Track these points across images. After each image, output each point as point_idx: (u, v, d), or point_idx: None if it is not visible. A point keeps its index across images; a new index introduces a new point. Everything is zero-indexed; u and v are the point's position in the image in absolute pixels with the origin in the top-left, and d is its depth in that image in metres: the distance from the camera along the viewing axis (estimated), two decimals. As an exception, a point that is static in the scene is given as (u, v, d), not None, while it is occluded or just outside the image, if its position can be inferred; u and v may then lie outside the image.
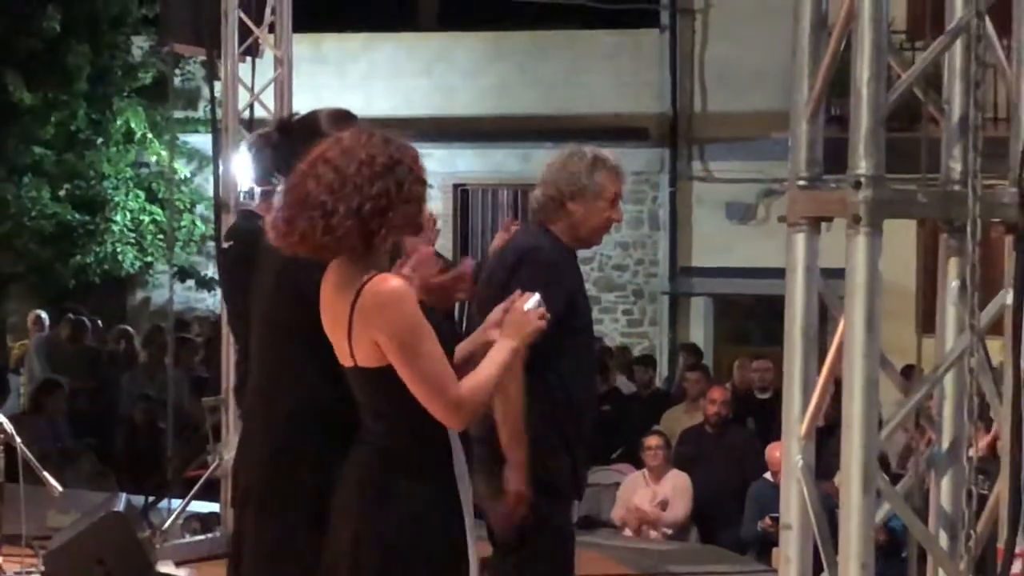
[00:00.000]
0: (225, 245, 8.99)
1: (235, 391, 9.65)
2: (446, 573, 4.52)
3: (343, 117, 5.39)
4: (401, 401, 4.44)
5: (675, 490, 12.70)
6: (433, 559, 4.50)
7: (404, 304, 4.42)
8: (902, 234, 16.95)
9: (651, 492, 12.78)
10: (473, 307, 6.04)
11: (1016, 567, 3.91)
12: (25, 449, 6.63)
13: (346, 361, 4.53)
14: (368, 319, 4.42)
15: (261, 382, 5.36)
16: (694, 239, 23.33)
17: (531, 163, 23.05)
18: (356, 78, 22.01)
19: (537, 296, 4.73)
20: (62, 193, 21.12)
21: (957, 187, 4.08)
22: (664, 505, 12.66)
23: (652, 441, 13.03)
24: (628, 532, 12.68)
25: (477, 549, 4.68)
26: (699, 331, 23.27)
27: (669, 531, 12.58)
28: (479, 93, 22.77)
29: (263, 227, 8.53)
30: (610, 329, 23.23)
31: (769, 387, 14.90)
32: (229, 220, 9.82)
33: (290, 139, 5.18)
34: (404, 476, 4.53)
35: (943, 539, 4.16)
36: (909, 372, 9.38)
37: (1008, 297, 3.98)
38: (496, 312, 4.73)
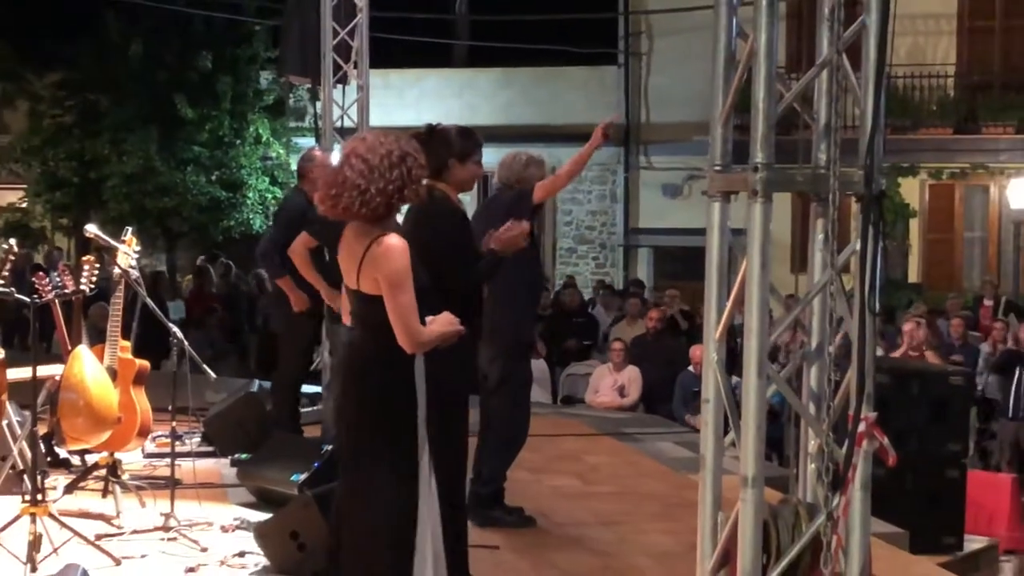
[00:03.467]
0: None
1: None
2: (397, 437, 4.46)
3: (466, 132, 5.54)
4: (382, 320, 4.39)
5: (630, 379, 12.71)
6: (388, 425, 4.46)
7: (400, 258, 4.35)
8: (781, 202, 16.93)
9: (613, 379, 12.79)
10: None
11: (861, 428, 3.92)
12: (191, 350, 6.63)
13: (352, 285, 4.48)
14: (374, 262, 4.36)
15: None
16: (640, 209, 23.35)
17: (530, 157, 23.06)
18: (411, 99, 21.99)
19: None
20: (213, 178, 21.09)
21: (823, 171, 4.07)
22: (623, 389, 12.67)
23: (616, 345, 13.08)
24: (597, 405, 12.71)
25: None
26: (644, 271, 23.32)
27: (626, 406, 12.62)
28: (494, 109, 22.75)
29: (298, 198, 8.56)
30: (584, 270, 23.28)
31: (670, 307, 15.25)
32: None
33: (433, 139, 5.19)
34: (375, 369, 4.48)
35: (812, 409, 4.17)
36: (790, 300, 9.37)
37: (856, 245, 3.98)
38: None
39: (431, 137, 5.25)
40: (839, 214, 4.04)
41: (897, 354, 12.89)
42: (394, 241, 4.36)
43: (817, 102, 4.19)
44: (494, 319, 6.63)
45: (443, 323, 4.48)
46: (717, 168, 4.10)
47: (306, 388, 10.92)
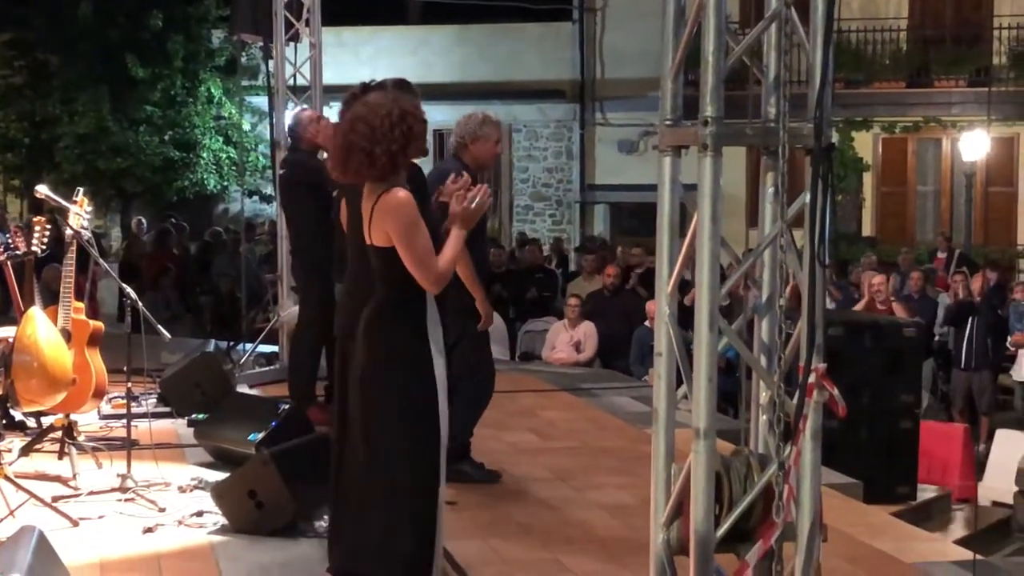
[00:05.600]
0: (280, 171, 8.99)
1: (291, 269, 9.61)
2: (414, 384, 4.60)
3: (402, 83, 5.42)
4: (396, 270, 4.54)
5: (586, 335, 12.76)
6: (405, 371, 4.60)
7: (406, 209, 4.50)
8: (736, 158, 17.01)
9: (569, 335, 12.84)
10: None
11: (811, 379, 3.95)
12: (145, 310, 6.61)
13: (367, 240, 4.63)
14: (383, 216, 4.52)
15: (355, 262, 5.32)
16: (596, 165, 23.38)
17: (486, 115, 23.03)
18: (365, 57, 21.86)
19: (483, 190, 4.78)
20: (166, 138, 20.98)
21: (772, 124, 4.08)
22: (579, 345, 12.71)
23: (571, 301, 13.15)
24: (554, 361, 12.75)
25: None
26: (600, 227, 23.37)
27: (582, 362, 12.66)
28: (450, 67, 22.68)
29: (306, 158, 8.55)
30: (541, 227, 23.29)
31: (642, 264, 15.05)
32: (281, 155, 9.77)
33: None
34: (390, 320, 4.62)
35: (763, 361, 4.19)
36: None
37: (806, 198, 3.99)
38: (454, 205, 4.74)
39: (367, 94, 5.22)
40: (792, 168, 4.06)
41: (860, 307, 13.01)
42: (398, 193, 4.52)
43: (767, 56, 4.19)
44: None
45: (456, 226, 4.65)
46: (667, 123, 4.10)
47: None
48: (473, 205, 4.70)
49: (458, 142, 7.03)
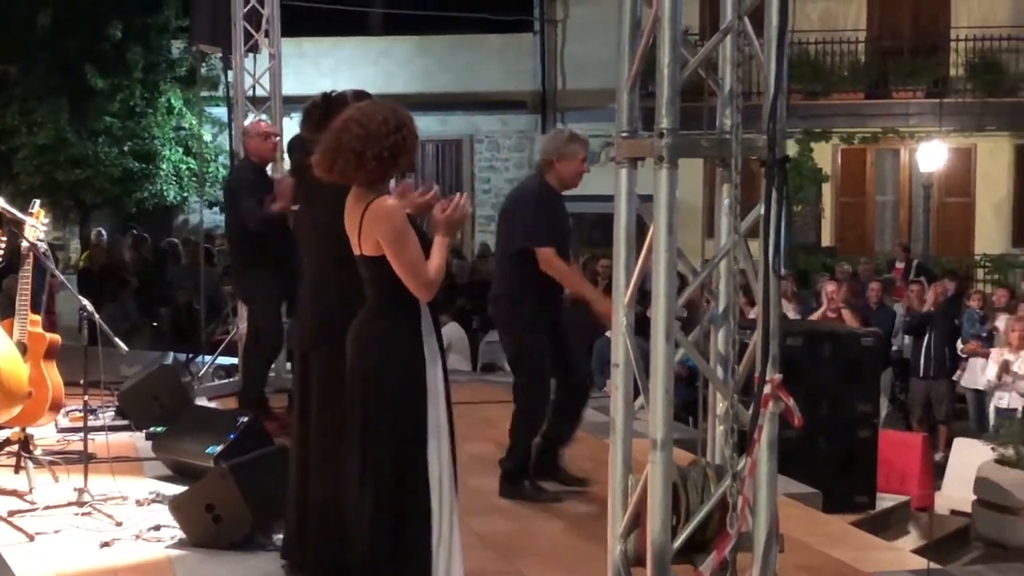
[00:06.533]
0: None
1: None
2: (406, 384, 4.57)
3: (362, 94, 5.38)
4: (388, 279, 4.52)
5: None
6: (398, 372, 4.56)
7: (396, 216, 4.48)
8: (692, 170, 17.05)
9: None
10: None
11: (767, 389, 3.96)
12: (102, 322, 6.56)
13: (356, 251, 4.61)
14: (372, 224, 4.50)
15: (315, 273, 5.33)
16: (558, 176, 23.38)
17: (447, 126, 23.04)
18: (326, 68, 21.82)
19: (465, 196, 4.76)
20: (125, 149, 20.81)
21: (727, 136, 4.11)
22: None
23: (531, 311, 13.13)
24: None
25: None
26: (562, 238, 23.35)
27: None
28: (411, 77, 22.67)
29: (244, 168, 8.57)
30: (503, 238, 23.29)
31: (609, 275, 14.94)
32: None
33: (330, 107, 5.13)
34: (384, 324, 4.60)
35: (719, 372, 4.21)
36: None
37: (761, 209, 4.02)
38: (436, 213, 4.70)
39: (328, 106, 5.22)
40: (748, 180, 4.08)
41: (816, 316, 13.07)
42: (387, 201, 4.51)
43: (721, 68, 4.22)
44: (496, 292, 6.71)
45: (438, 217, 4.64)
46: (624, 134, 4.13)
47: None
48: (456, 213, 4.68)
49: (543, 160, 6.91)
